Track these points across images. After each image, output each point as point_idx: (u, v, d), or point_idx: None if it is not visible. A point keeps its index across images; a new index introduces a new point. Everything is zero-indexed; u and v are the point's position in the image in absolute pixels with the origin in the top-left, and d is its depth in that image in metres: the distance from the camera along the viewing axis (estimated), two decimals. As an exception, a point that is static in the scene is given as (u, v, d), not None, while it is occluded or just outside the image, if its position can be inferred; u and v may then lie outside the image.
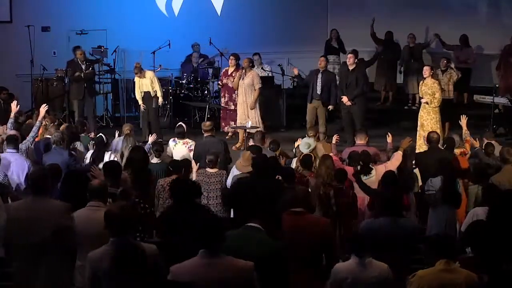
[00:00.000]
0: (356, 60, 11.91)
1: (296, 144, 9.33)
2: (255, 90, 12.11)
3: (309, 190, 7.45)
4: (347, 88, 11.70)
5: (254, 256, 4.59)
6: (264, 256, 4.72)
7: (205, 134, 9.55)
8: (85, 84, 12.87)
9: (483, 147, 8.99)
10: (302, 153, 8.54)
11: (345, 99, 11.66)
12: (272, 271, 4.79)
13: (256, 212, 6.12)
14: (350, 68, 11.80)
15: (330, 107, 12.06)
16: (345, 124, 11.89)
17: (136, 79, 12.46)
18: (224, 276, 4.37)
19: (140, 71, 12.31)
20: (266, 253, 4.80)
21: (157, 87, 12.39)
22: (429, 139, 9.04)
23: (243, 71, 12.19)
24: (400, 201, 6.49)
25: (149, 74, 12.45)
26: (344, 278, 5.20)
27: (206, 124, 9.73)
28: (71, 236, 5.08)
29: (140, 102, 12.49)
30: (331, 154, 8.57)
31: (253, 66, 12.38)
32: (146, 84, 12.33)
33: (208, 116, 11.93)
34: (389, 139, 9.37)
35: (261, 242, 4.90)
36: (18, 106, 9.46)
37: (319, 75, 12.12)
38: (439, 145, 9.18)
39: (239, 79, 12.17)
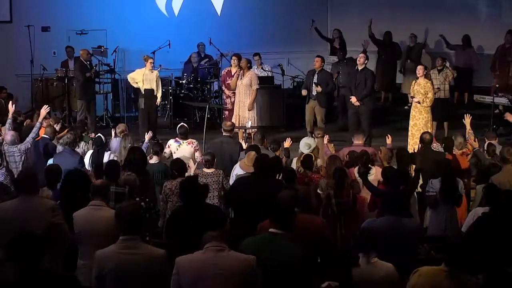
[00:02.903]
0: (366, 60, 11.71)
1: (286, 144, 9.29)
2: (252, 90, 12.06)
3: (318, 190, 7.51)
4: (356, 88, 11.51)
5: (281, 265, 4.74)
6: (290, 265, 4.81)
7: (224, 134, 9.53)
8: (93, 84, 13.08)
9: (485, 147, 8.97)
10: (303, 153, 8.54)
11: (353, 99, 11.46)
12: (296, 278, 4.85)
13: (257, 212, 6.17)
14: (360, 68, 11.58)
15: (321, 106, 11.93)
16: (351, 124, 11.65)
17: (141, 71, 12.30)
18: (226, 269, 4.49)
19: (151, 66, 12.34)
20: (292, 261, 4.85)
21: (159, 86, 12.42)
22: (422, 140, 8.99)
23: (241, 71, 12.15)
24: (406, 200, 6.41)
25: (155, 72, 12.47)
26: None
27: (227, 124, 9.71)
28: (63, 233, 5.05)
29: (141, 87, 12.25)
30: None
31: (250, 67, 12.30)
32: (151, 80, 12.27)
33: (208, 116, 11.86)
34: (388, 140, 9.35)
35: (286, 250, 4.91)
36: (14, 106, 9.46)
37: (315, 76, 12.10)
38: (432, 145, 9.11)
39: (237, 79, 12.15)
